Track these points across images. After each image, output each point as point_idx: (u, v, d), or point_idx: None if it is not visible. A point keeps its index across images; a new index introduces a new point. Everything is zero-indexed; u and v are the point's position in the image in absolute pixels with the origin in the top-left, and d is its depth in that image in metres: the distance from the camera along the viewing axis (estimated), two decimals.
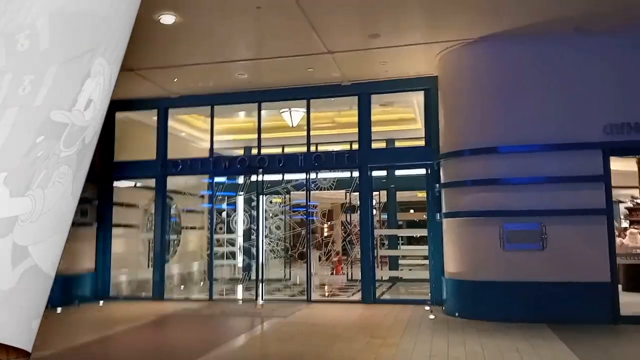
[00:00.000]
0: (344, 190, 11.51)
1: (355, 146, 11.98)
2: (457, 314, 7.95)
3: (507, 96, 8.04)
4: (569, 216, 7.50)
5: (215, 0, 6.93)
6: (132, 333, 7.34)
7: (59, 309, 9.31)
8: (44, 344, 6.32)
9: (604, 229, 7.47)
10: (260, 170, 10.56)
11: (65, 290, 9.88)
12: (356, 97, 10.15)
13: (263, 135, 10.82)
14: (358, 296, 10.16)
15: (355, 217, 11.40)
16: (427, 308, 8.71)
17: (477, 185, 7.96)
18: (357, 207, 11.93)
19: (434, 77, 9.35)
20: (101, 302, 10.25)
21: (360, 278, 9.76)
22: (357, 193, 10.39)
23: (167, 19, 7.30)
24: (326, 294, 10.71)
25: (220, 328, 7.92)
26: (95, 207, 10.85)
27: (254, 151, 13.13)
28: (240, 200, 14.48)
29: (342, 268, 13.80)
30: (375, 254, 9.97)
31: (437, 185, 8.89)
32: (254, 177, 13.48)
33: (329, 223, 11.85)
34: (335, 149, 11.14)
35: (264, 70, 9.62)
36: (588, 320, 7.17)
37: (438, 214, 8.84)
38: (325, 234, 12.87)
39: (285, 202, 13.60)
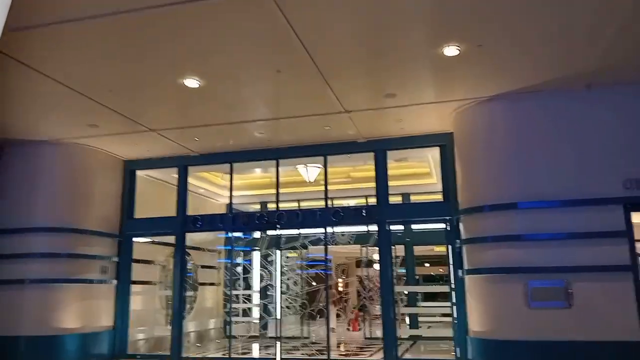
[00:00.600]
0: (358, 245, 11.47)
1: (371, 200, 12.05)
2: None
3: (523, 152, 8.10)
4: (594, 272, 7.37)
5: (238, 66, 7.24)
6: None
7: None
8: None
9: (630, 285, 7.31)
10: (279, 226, 10.60)
11: (83, 348, 9.79)
12: (372, 154, 10.30)
13: (279, 190, 10.94)
14: (378, 355, 9.94)
15: (372, 271, 11.36)
16: None
17: (499, 242, 7.89)
18: (373, 261, 11.89)
19: (449, 133, 9.49)
20: None
21: (380, 336, 9.56)
22: (373, 247, 10.42)
23: (191, 82, 7.59)
24: (346, 353, 10.44)
25: None
26: (115, 263, 10.90)
27: (270, 206, 13.28)
28: (256, 255, 14.48)
29: (358, 324, 13.55)
30: (397, 311, 9.77)
31: (458, 241, 8.84)
32: (269, 232, 13.57)
33: (344, 278, 11.74)
34: (350, 204, 11.20)
35: (282, 129, 9.85)
36: None
37: (460, 271, 8.74)
38: (341, 289, 12.73)
39: (301, 257, 13.54)
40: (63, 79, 7.39)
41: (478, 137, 8.68)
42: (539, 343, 7.35)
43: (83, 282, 10.03)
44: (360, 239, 10.92)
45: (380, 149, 10.11)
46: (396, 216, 10.09)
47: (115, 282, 10.81)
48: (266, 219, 10.68)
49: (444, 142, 9.71)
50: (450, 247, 9.08)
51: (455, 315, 9.10)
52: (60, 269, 9.77)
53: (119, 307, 10.76)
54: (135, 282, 11.18)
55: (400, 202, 12.31)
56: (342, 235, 10.76)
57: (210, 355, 10.76)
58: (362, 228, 11.31)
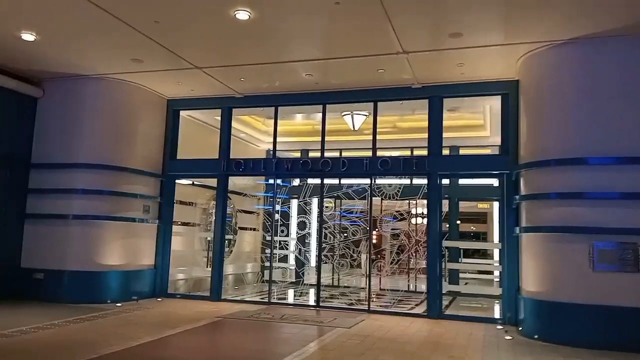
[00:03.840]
0: (399, 198, 11.03)
1: (418, 152, 11.55)
2: (536, 336, 7.36)
3: (597, 103, 7.39)
4: None
5: None
6: (196, 335, 7.15)
7: (119, 304, 9.31)
8: (107, 342, 6.21)
9: None
10: (323, 173, 10.24)
11: (126, 285, 9.87)
12: (426, 101, 9.71)
13: (320, 138, 10.51)
14: (420, 309, 9.71)
15: (412, 225, 10.99)
16: (500, 327, 8.14)
17: (564, 199, 7.34)
18: (417, 215, 11.49)
19: (513, 81, 8.81)
20: (159, 299, 10.22)
21: (425, 290, 9.30)
22: (416, 201, 9.99)
23: (242, 14, 7.09)
24: (385, 304, 10.24)
25: (283, 335, 7.63)
26: (157, 204, 10.84)
27: (311, 154, 12.92)
28: (295, 203, 14.27)
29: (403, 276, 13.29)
30: (442, 266, 9.42)
31: (517, 196, 8.31)
32: (310, 181, 13.26)
33: (383, 230, 11.40)
34: (393, 155, 10.68)
35: (331, 71, 9.32)
36: None
37: (517, 228, 8.26)
38: (386, 243, 12.44)
39: (341, 207, 13.25)
40: (109, 7, 7.00)
41: (547, 86, 7.98)
42: (601, 308, 6.90)
43: (126, 220, 10.00)
44: (407, 192, 10.45)
45: (436, 95, 9.50)
46: (448, 169, 9.58)
47: (157, 222, 10.76)
48: (310, 165, 10.32)
49: (506, 91, 9.02)
50: (498, 203, 8.56)
51: (500, 273, 8.67)
52: (103, 206, 9.74)
53: (160, 247, 10.77)
54: (176, 223, 11.13)
55: (452, 155, 11.70)
56: (389, 186, 10.31)
57: (246, 298, 10.74)
58: (408, 180, 10.87)
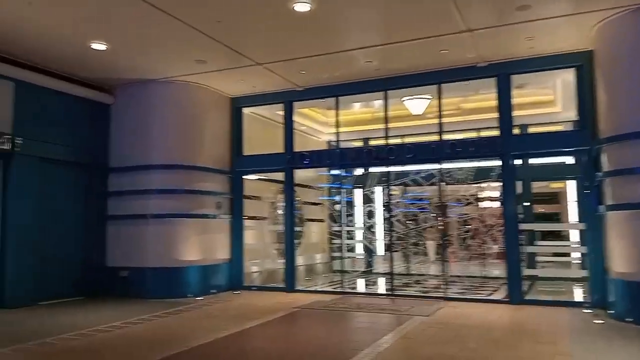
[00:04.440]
0: (473, 182, 10.76)
1: (486, 133, 11.15)
2: (629, 319, 6.96)
3: None
4: None
5: None
6: (277, 325, 7.31)
7: (199, 298, 9.66)
8: (194, 335, 6.45)
9: None
10: (389, 160, 10.13)
11: (203, 280, 10.24)
12: (490, 80, 9.36)
13: (381, 126, 10.37)
14: (498, 295, 9.45)
15: (482, 209, 10.70)
16: (587, 311, 7.78)
17: None
18: (489, 198, 11.18)
19: (587, 51, 8.32)
20: (237, 292, 10.52)
21: (500, 275, 9.02)
22: (487, 184, 9.67)
23: (302, 7, 7.09)
24: (463, 291, 10.04)
25: (362, 324, 7.65)
26: (228, 199, 11.14)
27: (372, 142, 12.80)
28: (360, 193, 14.25)
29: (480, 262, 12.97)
30: (521, 250, 9.09)
31: (599, 173, 7.87)
32: (373, 169, 13.18)
33: (460, 216, 11.15)
34: (461, 137, 10.37)
35: (392, 56, 9.16)
36: None
37: (601, 207, 7.82)
38: (456, 228, 12.18)
39: (405, 195, 13.08)
40: (173, 10, 7.20)
41: (626, 54, 7.47)
42: None
43: (200, 217, 10.35)
44: (478, 175, 10.16)
45: (503, 73, 9.14)
46: (522, 148, 9.19)
47: (229, 217, 11.07)
48: (375, 154, 10.23)
49: (580, 62, 8.54)
50: (575, 182, 8.11)
51: (581, 255, 8.23)
52: (178, 204, 10.12)
53: (234, 241, 11.08)
54: (246, 218, 11.40)
55: (526, 133, 11.21)
56: (459, 170, 10.08)
57: (319, 289, 10.84)
58: (478, 163, 10.54)
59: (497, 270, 11.36)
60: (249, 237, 11.60)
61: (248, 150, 11.50)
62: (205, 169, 10.62)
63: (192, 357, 5.47)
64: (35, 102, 9.28)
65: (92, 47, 8.46)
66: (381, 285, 11.64)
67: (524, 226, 9.56)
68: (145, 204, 10.11)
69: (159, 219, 10.03)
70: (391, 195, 12.28)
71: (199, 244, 10.31)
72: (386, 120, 10.28)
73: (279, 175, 11.32)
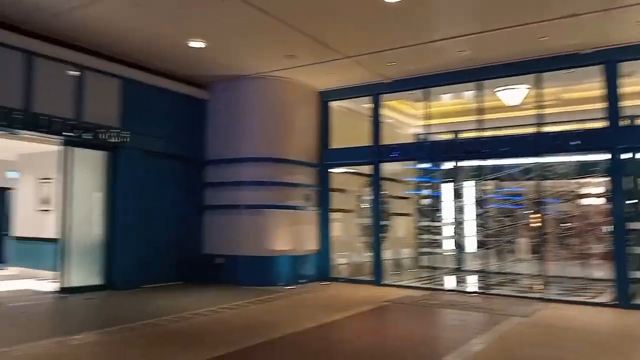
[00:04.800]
0: (576, 177, 10.07)
1: (589, 125, 10.39)
2: None
3: None
4: None
5: None
6: (369, 318, 7.34)
7: (289, 287, 9.91)
8: (286, 322, 6.61)
9: None
10: (481, 154, 9.75)
11: (293, 269, 10.49)
12: (596, 67, 8.70)
13: (473, 118, 9.96)
14: (603, 298, 8.80)
15: (590, 206, 9.98)
16: None
17: None
18: (594, 195, 10.41)
19: None
20: (325, 283, 10.67)
21: (603, 277, 8.39)
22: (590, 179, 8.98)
23: None
24: (563, 292, 9.46)
25: (456, 322, 7.46)
26: (316, 192, 11.31)
27: (463, 135, 12.37)
28: (448, 187, 13.87)
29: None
30: (630, 251, 8.40)
31: None
32: (463, 163, 12.75)
33: (559, 213, 10.49)
34: (561, 129, 9.72)
35: (487, 44, 8.78)
36: None
37: None
38: (554, 226, 11.48)
39: (501, 190, 12.53)
40: (266, 6, 7.36)
41: None
42: None
43: (289, 208, 10.60)
44: (581, 170, 9.49)
45: (611, 60, 8.46)
46: (631, 141, 8.46)
47: (317, 209, 11.24)
48: (467, 147, 9.89)
49: None
50: None
51: None
52: (268, 196, 10.43)
53: (321, 233, 11.24)
54: (333, 210, 11.50)
55: (634, 125, 10.32)
56: (560, 164, 9.48)
57: (408, 284, 10.68)
58: (582, 157, 9.84)
59: (601, 271, 10.58)
60: (336, 229, 11.70)
61: (335, 143, 11.59)
62: (294, 161, 10.84)
63: (285, 345, 5.62)
64: (140, 98, 9.95)
65: (190, 45, 8.89)
66: (472, 283, 11.27)
67: (632, 225, 8.81)
68: (238, 195, 10.53)
69: (251, 210, 10.40)
70: (484, 190, 11.84)
71: (289, 235, 10.57)
72: (479, 111, 9.89)
73: (365, 168, 11.30)
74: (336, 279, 11.02)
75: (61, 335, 5.73)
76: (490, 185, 13.06)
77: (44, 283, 9.77)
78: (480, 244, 11.54)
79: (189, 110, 11.03)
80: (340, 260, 11.62)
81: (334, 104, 11.80)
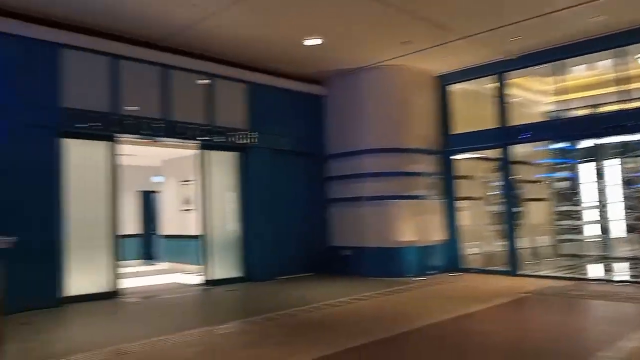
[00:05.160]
0: None
1: None
2: None
3: None
4: None
5: None
6: (511, 310, 6.94)
7: (417, 278, 9.75)
8: (419, 314, 6.49)
9: None
10: (627, 129, 8.74)
11: (420, 260, 10.31)
12: None
13: (613, 89, 8.91)
14: None
15: None
16: None
17: None
18: None
19: None
20: (455, 274, 10.34)
21: None
22: None
23: None
24: None
25: (607, 315, 6.79)
26: (439, 180, 10.99)
27: (602, 109, 11.17)
28: (586, 167, 12.66)
29: None
30: None
31: None
32: (603, 140, 11.51)
33: None
34: None
35: (628, 5, 7.82)
36: None
37: None
38: None
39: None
40: None
41: None
42: None
43: (413, 198, 10.42)
44: None
45: None
46: None
47: (441, 198, 10.92)
48: (610, 122, 8.91)
49: None
50: None
51: None
52: (391, 186, 10.35)
53: (448, 222, 10.90)
54: (459, 198, 11.08)
55: None
56: None
57: (547, 274, 9.94)
58: None
59: None
60: (464, 218, 11.26)
61: (457, 128, 11.14)
62: (415, 150, 10.63)
63: (422, 336, 5.52)
64: (263, 100, 10.44)
65: (305, 43, 9.09)
66: (622, 271, 10.18)
67: None
68: (361, 187, 10.60)
69: (374, 201, 10.41)
70: (631, 168, 10.62)
71: (414, 225, 10.39)
72: (621, 81, 8.86)
73: (492, 153, 10.71)
74: (467, 270, 10.61)
75: (208, 325, 6.20)
76: (638, 163, 11.68)
77: (190, 276, 10.70)
78: (630, 229, 10.33)
79: (308, 108, 11.34)
80: (471, 250, 11.17)
81: (454, 87, 11.34)
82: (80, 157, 8.13)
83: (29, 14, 7.57)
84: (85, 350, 5.09)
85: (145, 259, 14.67)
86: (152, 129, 8.80)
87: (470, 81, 11.18)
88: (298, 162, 11.13)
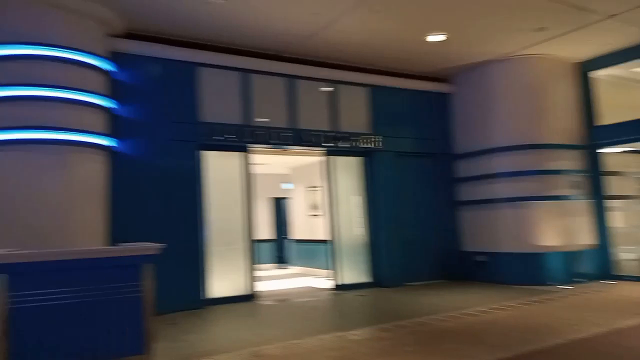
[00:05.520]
0: None
1: None
2: None
3: None
4: None
5: None
6: None
7: (561, 286, 8.89)
8: (566, 326, 5.86)
9: None
10: None
11: (565, 267, 9.38)
12: None
13: None
14: None
15: None
16: None
17: None
18: None
19: None
20: (609, 282, 9.26)
21: None
22: None
23: None
24: None
25: None
26: (586, 177, 9.93)
27: None
28: None
29: None
30: None
31: None
32: None
33: None
34: None
35: None
36: None
37: None
38: None
39: None
40: None
41: None
42: None
43: (554, 198, 9.52)
44: None
45: None
46: None
47: (588, 197, 9.85)
48: None
49: None
50: None
51: None
52: (529, 186, 9.58)
53: (597, 225, 9.80)
54: (610, 197, 9.90)
55: None
56: None
57: None
58: None
59: None
60: (616, 219, 10.04)
61: (603, 119, 9.98)
62: (554, 145, 9.72)
63: (572, 352, 4.95)
64: (386, 102, 10.30)
65: (428, 40, 8.79)
66: None
67: None
68: (494, 187, 9.96)
69: (509, 203, 9.71)
70: None
71: (557, 228, 9.50)
72: None
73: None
74: (621, 278, 9.42)
75: (341, 330, 6.20)
76: None
77: (321, 280, 10.89)
78: None
79: (432, 107, 10.95)
80: (625, 255, 9.90)
81: (597, 74, 10.20)
82: (218, 168, 8.70)
83: (168, 37, 8.31)
84: (227, 351, 5.36)
85: (277, 262, 15.30)
86: (280, 138, 9.12)
87: (617, 66, 9.97)
88: (424, 164, 10.79)
